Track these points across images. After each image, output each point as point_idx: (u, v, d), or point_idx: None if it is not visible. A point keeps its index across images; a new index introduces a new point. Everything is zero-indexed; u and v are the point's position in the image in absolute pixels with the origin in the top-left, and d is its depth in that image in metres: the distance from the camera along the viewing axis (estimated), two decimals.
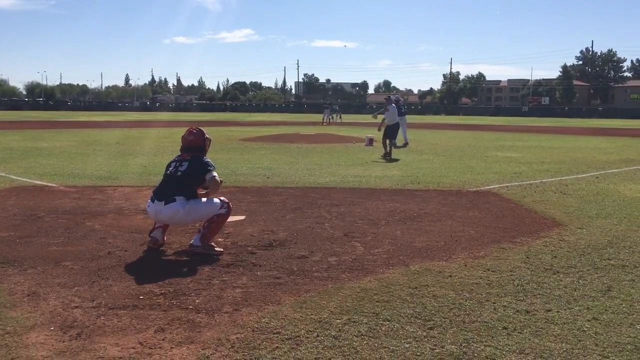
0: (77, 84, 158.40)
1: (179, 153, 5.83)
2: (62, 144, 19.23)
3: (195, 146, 5.78)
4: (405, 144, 19.96)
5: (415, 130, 28.40)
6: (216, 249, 5.45)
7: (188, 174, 5.53)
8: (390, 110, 16.99)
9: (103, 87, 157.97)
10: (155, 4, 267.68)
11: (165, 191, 5.49)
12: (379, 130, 17.05)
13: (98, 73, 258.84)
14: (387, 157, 15.62)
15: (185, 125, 8.13)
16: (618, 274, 4.89)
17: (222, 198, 5.64)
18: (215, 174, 5.60)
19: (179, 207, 5.38)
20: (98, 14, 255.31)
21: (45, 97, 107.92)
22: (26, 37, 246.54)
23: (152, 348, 3.34)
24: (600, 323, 3.80)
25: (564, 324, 3.78)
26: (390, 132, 16.50)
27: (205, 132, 5.91)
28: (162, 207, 5.41)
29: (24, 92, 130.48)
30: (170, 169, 5.67)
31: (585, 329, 3.70)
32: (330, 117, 49.32)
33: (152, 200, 5.52)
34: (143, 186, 9.58)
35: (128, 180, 10.37)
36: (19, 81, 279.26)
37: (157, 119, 46.97)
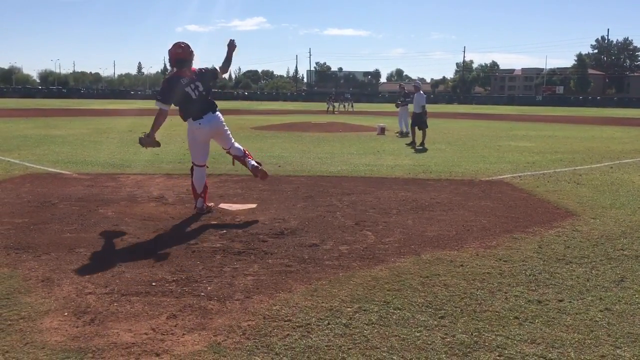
0: (90, 72, 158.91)
1: (173, 71, 6.50)
2: (75, 132, 19.38)
3: (183, 59, 6.35)
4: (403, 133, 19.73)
5: (428, 119, 28.17)
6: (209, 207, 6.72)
7: (208, 89, 6.53)
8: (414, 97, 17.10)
9: (116, 75, 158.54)
10: None
11: (204, 108, 6.46)
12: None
13: (111, 61, 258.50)
14: (412, 145, 15.69)
15: None
16: (631, 265, 4.85)
17: (203, 162, 6.67)
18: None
19: (220, 115, 6.62)
20: (111, 1, 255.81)
21: (59, 85, 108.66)
22: (40, 25, 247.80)
23: (164, 334, 3.37)
24: (612, 313, 3.77)
25: (576, 314, 3.76)
26: (414, 120, 16.61)
27: (190, 45, 6.39)
28: (212, 115, 6.48)
29: (38, 80, 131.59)
30: (195, 93, 6.37)
31: (597, 319, 3.67)
32: (342, 105, 49.34)
33: (199, 121, 6.43)
34: (155, 174, 9.64)
35: (140, 168, 10.43)
36: (32, 69, 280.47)
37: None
